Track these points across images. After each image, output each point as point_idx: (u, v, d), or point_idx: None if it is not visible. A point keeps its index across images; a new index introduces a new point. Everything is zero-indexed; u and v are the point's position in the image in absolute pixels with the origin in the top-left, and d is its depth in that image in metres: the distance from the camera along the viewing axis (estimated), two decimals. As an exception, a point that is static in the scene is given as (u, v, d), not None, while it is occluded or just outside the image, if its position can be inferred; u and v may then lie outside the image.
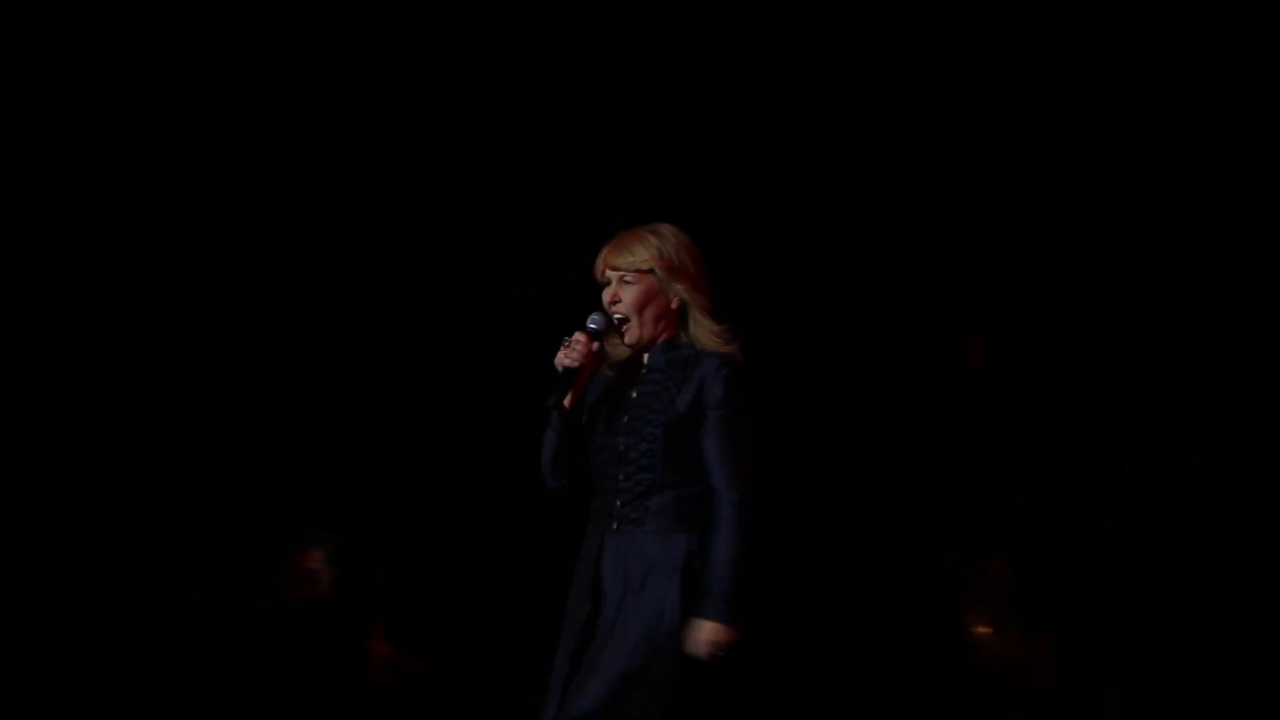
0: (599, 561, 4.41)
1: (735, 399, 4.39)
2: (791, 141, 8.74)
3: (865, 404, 8.89)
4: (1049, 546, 8.72)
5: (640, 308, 4.44)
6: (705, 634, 4.29)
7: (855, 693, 8.38)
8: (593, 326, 4.45)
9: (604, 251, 4.48)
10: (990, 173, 8.55)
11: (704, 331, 4.45)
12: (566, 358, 4.41)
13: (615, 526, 4.41)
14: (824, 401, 8.84)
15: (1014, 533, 8.77)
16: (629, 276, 4.45)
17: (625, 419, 4.43)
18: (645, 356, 4.51)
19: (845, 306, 8.81)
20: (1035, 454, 8.84)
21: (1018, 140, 8.59)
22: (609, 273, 4.48)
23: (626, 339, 4.48)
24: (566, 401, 4.43)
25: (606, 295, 4.47)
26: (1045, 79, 8.58)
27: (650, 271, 4.43)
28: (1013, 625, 8.22)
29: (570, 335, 4.42)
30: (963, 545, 8.73)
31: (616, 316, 4.47)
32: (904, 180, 8.69)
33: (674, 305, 4.46)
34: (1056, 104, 8.56)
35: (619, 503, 4.42)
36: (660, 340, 4.49)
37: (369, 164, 8.90)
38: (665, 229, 4.49)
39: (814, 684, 8.27)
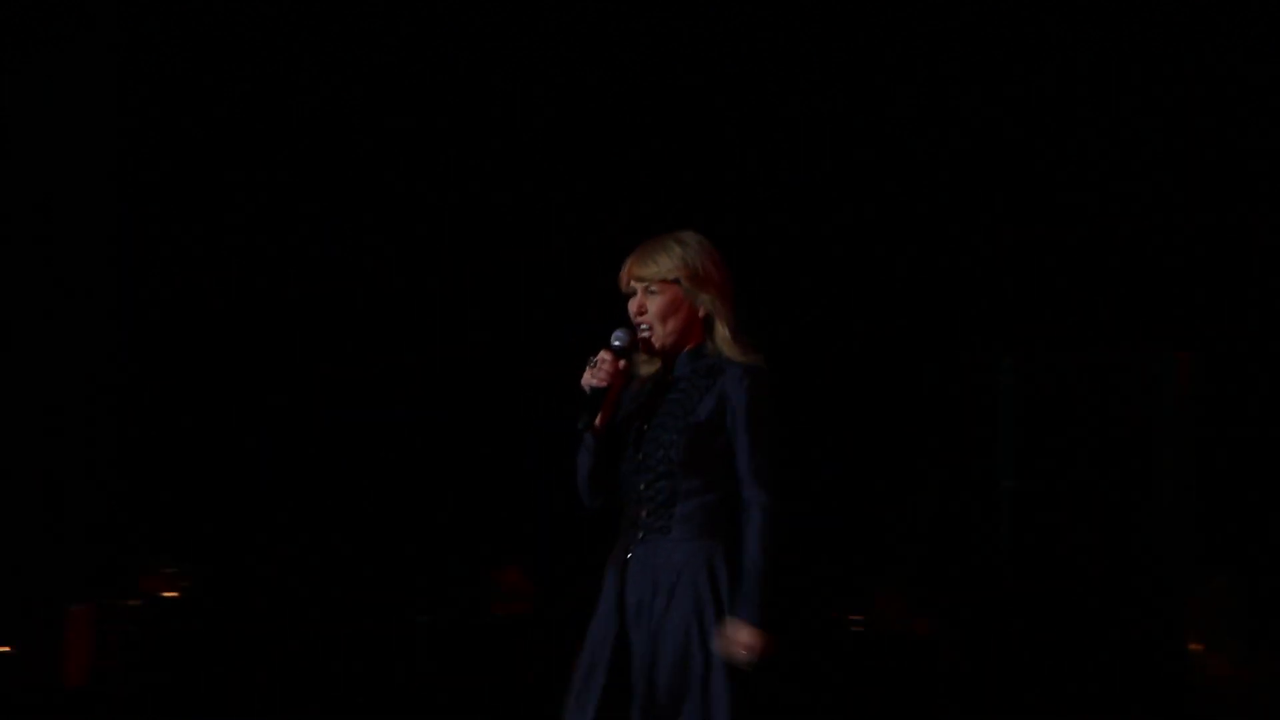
0: (623, 575, 4.37)
1: (760, 406, 4.34)
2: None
3: (1079, 425, 8.74)
4: (1273, 562, 8.50)
5: (666, 317, 4.38)
6: (740, 635, 4.25)
7: (1073, 710, 8.25)
8: (617, 344, 4.38)
9: (628, 262, 4.41)
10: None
11: (724, 341, 4.39)
12: (593, 378, 4.34)
13: (641, 536, 4.36)
14: (1045, 425, 8.71)
15: (1235, 548, 8.56)
16: (654, 286, 4.38)
17: (647, 428, 4.38)
18: (672, 366, 4.44)
19: (1058, 334, 8.68)
20: (1253, 468, 8.62)
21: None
22: (633, 283, 4.41)
23: (652, 350, 4.42)
24: (598, 421, 4.36)
25: (632, 306, 4.40)
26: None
27: (675, 281, 4.37)
28: (1233, 643, 8.00)
29: (595, 355, 4.36)
30: (1182, 563, 8.55)
31: (642, 327, 4.40)
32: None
33: (700, 314, 4.40)
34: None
35: (644, 513, 4.36)
36: (686, 349, 4.43)
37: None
38: (689, 236, 4.42)
39: (1031, 700, 8.16)
